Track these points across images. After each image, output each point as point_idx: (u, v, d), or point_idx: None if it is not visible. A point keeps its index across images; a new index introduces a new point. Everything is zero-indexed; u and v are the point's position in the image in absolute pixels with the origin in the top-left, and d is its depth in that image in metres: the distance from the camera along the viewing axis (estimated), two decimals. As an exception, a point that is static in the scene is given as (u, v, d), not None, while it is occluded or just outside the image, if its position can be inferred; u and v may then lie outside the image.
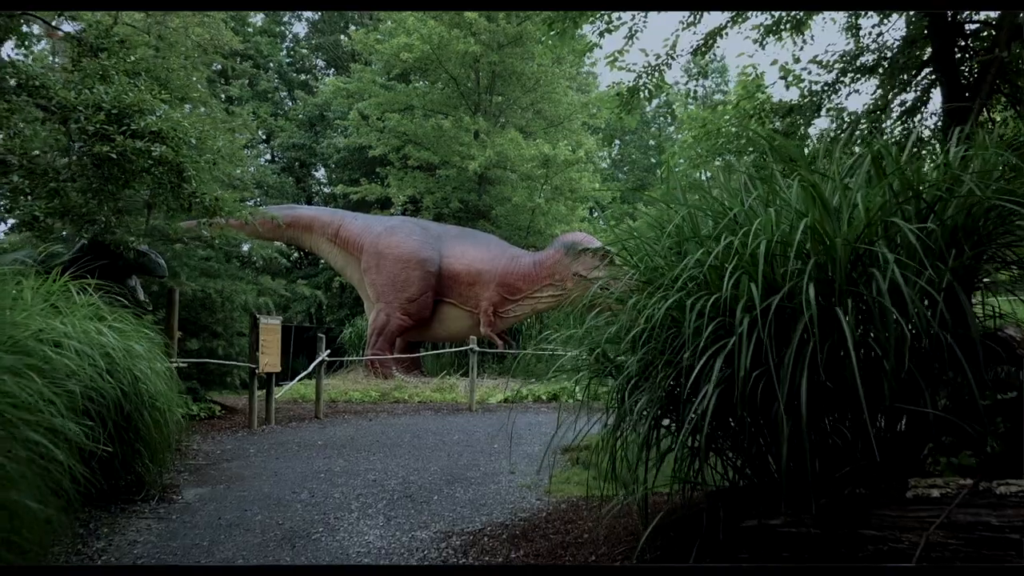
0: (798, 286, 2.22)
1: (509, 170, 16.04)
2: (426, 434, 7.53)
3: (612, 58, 7.35)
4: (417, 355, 12.57)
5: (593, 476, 4.04)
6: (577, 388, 11.09)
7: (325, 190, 23.66)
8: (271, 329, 8.24)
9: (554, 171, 14.93)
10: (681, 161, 9.32)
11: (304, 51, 25.46)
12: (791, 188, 2.76)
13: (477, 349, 10.15)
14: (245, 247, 9.45)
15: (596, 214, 25.81)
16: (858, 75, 7.92)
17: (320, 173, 25.40)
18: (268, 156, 24.56)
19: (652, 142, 32.22)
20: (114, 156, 5.31)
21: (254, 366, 7.91)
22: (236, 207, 6.46)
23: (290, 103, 24.14)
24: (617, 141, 31.73)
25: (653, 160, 32.00)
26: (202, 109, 7.96)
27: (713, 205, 3.06)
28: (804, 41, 7.66)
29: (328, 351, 9.49)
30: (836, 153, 3.31)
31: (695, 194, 3.38)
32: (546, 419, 9.23)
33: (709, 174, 8.87)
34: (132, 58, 6.22)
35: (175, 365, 6.81)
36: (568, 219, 15.92)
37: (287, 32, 26.75)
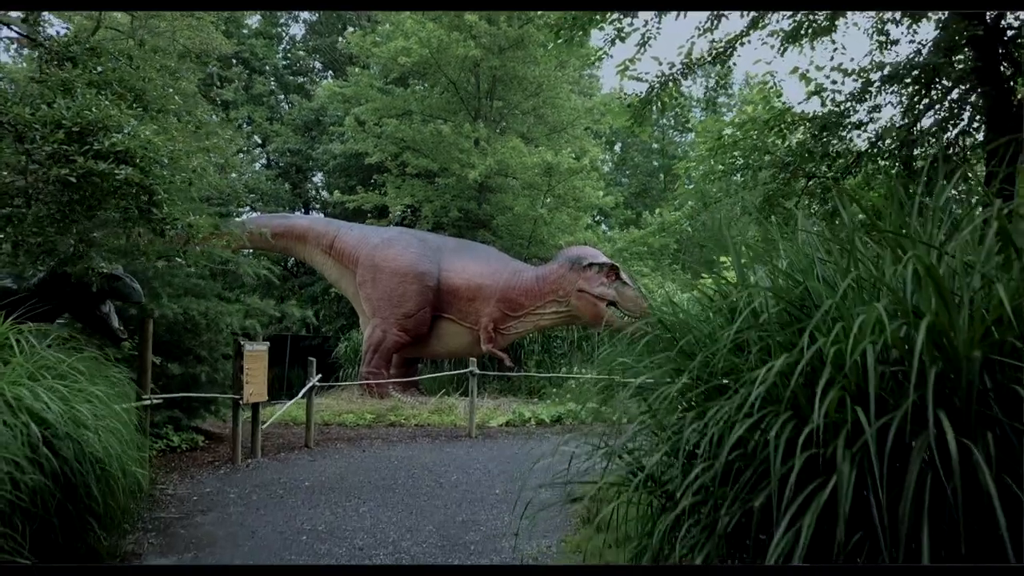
0: (916, 405, 1.65)
1: (511, 177, 15.49)
2: (422, 473, 6.99)
3: (623, 67, 6.81)
4: (415, 377, 11.98)
5: (608, 544, 3.56)
6: (582, 411, 10.45)
7: (323, 194, 23.12)
8: (257, 356, 7.70)
9: (557, 180, 14.40)
10: (693, 174, 8.79)
11: (301, 53, 24.91)
12: (881, 261, 2.20)
13: (477, 372, 9.61)
14: (232, 263, 8.93)
15: (599, 219, 25.29)
16: (886, 84, 7.38)
17: (318, 178, 24.85)
18: (264, 161, 24.02)
19: (655, 145, 31.68)
20: (74, 180, 4.76)
21: (238, 396, 7.37)
22: (215, 228, 5.91)
23: (287, 107, 23.61)
24: (619, 144, 31.22)
25: (656, 163, 31.45)
26: (179, 120, 7.41)
27: (790, 291, 2.39)
28: (836, 46, 7.10)
29: (319, 375, 8.95)
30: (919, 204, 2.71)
31: (756, 260, 2.78)
32: (551, 447, 8.70)
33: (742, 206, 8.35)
34: (99, 69, 5.67)
35: (148, 403, 6.29)
36: (572, 229, 15.37)
37: (283, 34, 26.21)
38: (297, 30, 27.01)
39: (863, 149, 7.16)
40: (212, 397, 7.97)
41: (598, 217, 24.70)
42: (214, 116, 20.35)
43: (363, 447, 8.72)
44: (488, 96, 16.41)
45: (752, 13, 6.96)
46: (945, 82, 7.14)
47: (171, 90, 6.57)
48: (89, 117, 5.00)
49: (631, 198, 28.47)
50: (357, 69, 17.90)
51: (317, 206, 24.77)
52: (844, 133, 7.25)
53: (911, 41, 7.48)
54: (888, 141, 7.05)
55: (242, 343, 7.43)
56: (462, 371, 10.12)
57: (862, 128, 7.50)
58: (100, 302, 6.89)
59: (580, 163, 14.00)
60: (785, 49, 7.67)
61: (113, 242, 6.36)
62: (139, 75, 6.56)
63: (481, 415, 10.71)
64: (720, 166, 7.98)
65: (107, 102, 5.34)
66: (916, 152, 7.29)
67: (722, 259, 13.46)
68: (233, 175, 17.28)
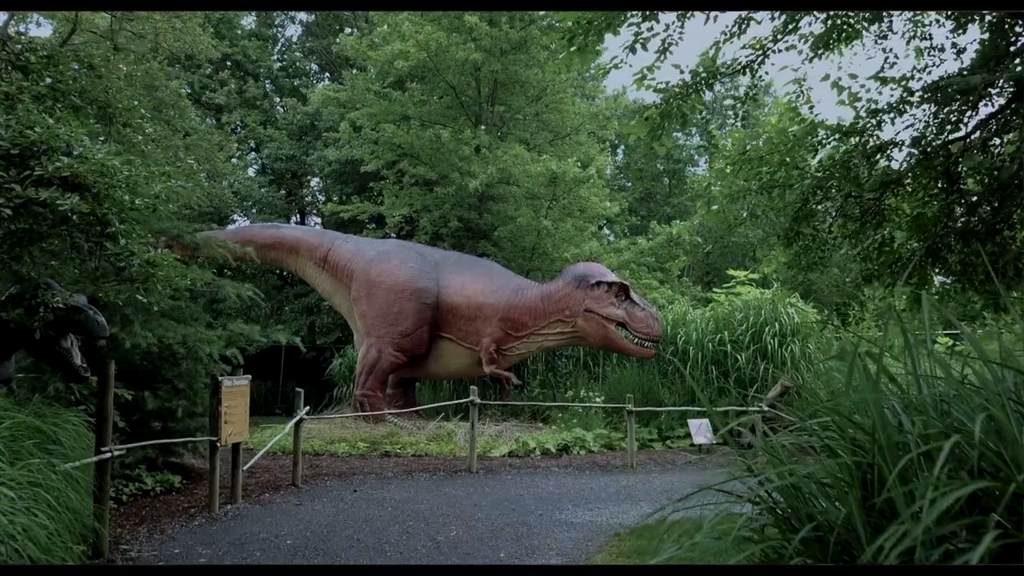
0: None
1: (513, 185, 14.82)
2: (417, 526, 6.30)
3: (640, 75, 6.15)
4: (412, 408, 11.30)
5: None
6: (590, 437, 9.73)
7: (320, 201, 22.44)
8: (237, 392, 7.03)
9: (562, 189, 13.72)
10: (713, 190, 8.10)
11: (298, 55, 24.22)
12: None
13: (478, 402, 8.94)
14: (214, 284, 8.26)
15: (601, 225, 24.58)
16: (928, 94, 6.71)
17: (315, 182, 24.16)
18: (258, 167, 23.34)
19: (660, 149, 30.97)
20: (9, 211, 4.09)
21: (215, 438, 6.69)
22: (182, 261, 5.25)
23: (281, 110, 22.92)
24: (621, 148, 30.56)
25: (660, 167, 30.79)
26: (151, 130, 6.74)
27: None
28: (870, 55, 6.43)
29: (307, 408, 8.29)
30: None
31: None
32: (558, 485, 8.03)
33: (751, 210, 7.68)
34: (50, 80, 5.01)
35: (109, 456, 5.61)
36: (577, 240, 14.69)
37: (279, 36, 25.52)
38: (293, 31, 26.36)
39: (903, 167, 6.49)
40: (185, 440, 7.26)
41: (601, 222, 24.04)
42: (208, 120, 19.71)
43: (355, 484, 8.05)
44: (489, 101, 15.73)
45: (783, 15, 6.30)
46: (993, 93, 6.49)
47: (138, 102, 5.88)
48: (32, 137, 4.33)
49: (635, 203, 27.81)
50: (354, 71, 17.23)
51: (314, 213, 24.10)
52: (882, 149, 6.57)
53: (955, 47, 6.80)
54: (932, 157, 6.38)
55: (220, 378, 6.75)
56: (461, 401, 9.44)
57: (898, 146, 6.84)
58: (60, 337, 6.21)
59: (586, 172, 13.32)
60: (815, 56, 7.01)
61: (71, 272, 5.70)
62: (103, 85, 5.89)
63: (482, 443, 10.04)
64: (743, 181, 7.31)
65: (57, 117, 4.68)
66: (961, 169, 6.64)
67: (730, 272, 12.64)
68: (224, 183, 16.66)
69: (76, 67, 5.92)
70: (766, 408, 10.12)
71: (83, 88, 5.73)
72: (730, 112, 31.32)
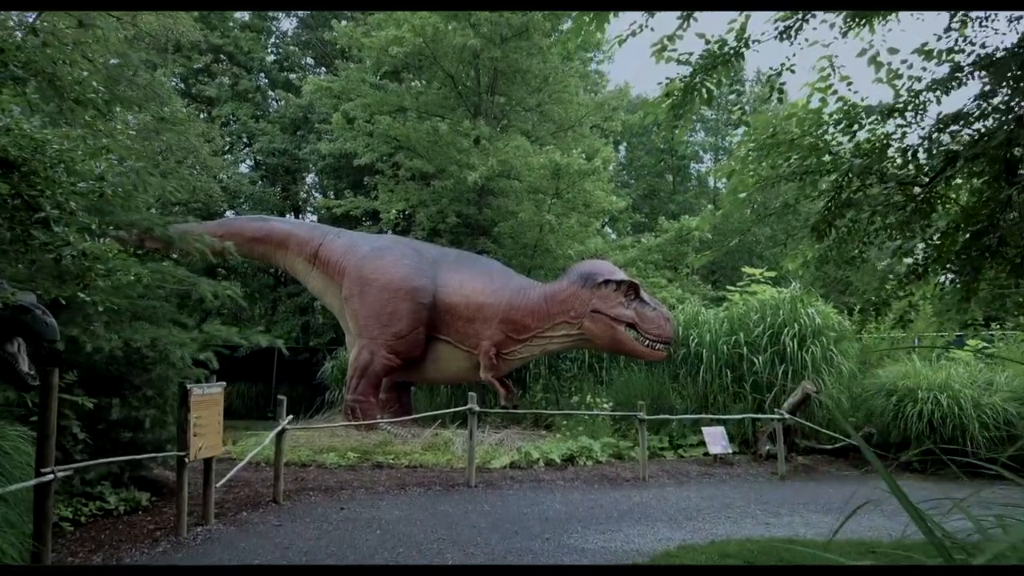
0: None
1: (515, 179, 14.11)
2: (409, 553, 5.59)
3: (660, 46, 5.44)
4: (407, 416, 10.59)
5: None
6: (597, 447, 8.97)
7: (316, 198, 21.70)
8: (209, 401, 6.32)
9: (566, 182, 13.00)
10: (738, 180, 7.38)
11: (293, 48, 23.48)
12: None
13: (477, 409, 8.24)
14: (189, 281, 7.55)
15: (604, 223, 23.87)
16: (980, 70, 6.00)
17: (310, 180, 23.44)
18: (251, 162, 22.63)
19: (663, 146, 30.29)
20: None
21: (183, 453, 5.98)
22: (126, 260, 4.54)
23: (275, 104, 22.20)
24: (623, 144, 29.88)
25: (663, 164, 30.10)
26: (118, 110, 6.05)
27: None
28: (922, 16, 5.73)
29: (290, 417, 7.59)
30: None
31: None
32: (564, 502, 7.33)
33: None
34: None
35: (52, 478, 4.90)
36: (581, 236, 13.97)
37: (273, 28, 24.78)
38: (288, 24, 25.63)
39: (956, 149, 5.78)
40: (149, 456, 6.52)
41: (604, 220, 23.34)
42: (203, 115, 18.98)
43: (343, 501, 7.35)
44: (489, 91, 15.01)
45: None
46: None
47: (88, 73, 5.17)
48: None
49: (638, 200, 27.13)
50: (352, 65, 16.48)
51: (310, 211, 23.37)
52: (931, 130, 5.87)
53: (1011, 19, 6.08)
54: (988, 139, 5.67)
55: (189, 386, 6.05)
56: (459, 409, 8.74)
57: (948, 125, 6.13)
58: (5, 340, 5.51)
59: (592, 164, 12.59)
60: (849, 29, 6.31)
61: (13, 268, 4.99)
62: (49, 56, 5.17)
63: (482, 453, 9.35)
64: (771, 168, 6.61)
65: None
66: (1020, 152, 5.93)
67: (745, 270, 11.85)
68: (210, 177, 15.94)
69: (20, 35, 5.22)
70: (787, 415, 9.42)
71: (29, 59, 5.02)
72: (735, 109, 30.62)
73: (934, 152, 5.62)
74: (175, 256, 8.11)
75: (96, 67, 5.91)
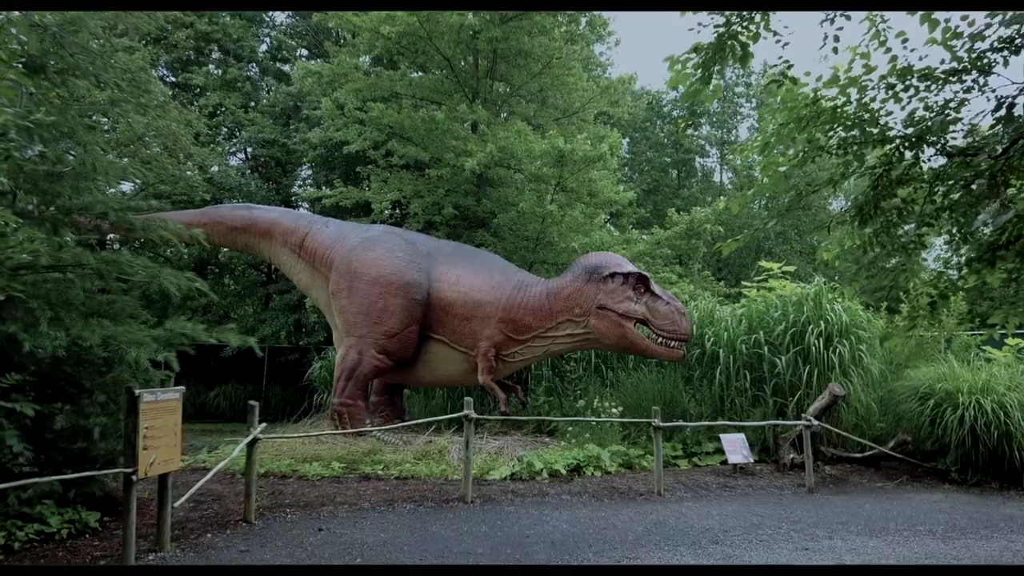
0: None
1: (514, 169, 13.27)
2: (391, 589, 4.78)
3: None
4: (398, 424, 9.75)
5: None
6: (606, 456, 8.05)
7: (310, 191, 20.82)
8: (163, 409, 5.48)
9: (570, 171, 12.15)
10: (756, 157, 6.54)
11: (285, 37, 22.62)
12: None
13: (474, 416, 7.40)
14: (150, 273, 6.72)
15: (608, 220, 23.03)
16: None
17: (305, 173, 22.57)
18: (241, 155, 21.76)
19: (666, 140, 29.45)
20: None
21: (130, 469, 5.14)
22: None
23: (266, 93, 21.34)
24: (626, 139, 29.03)
25: (667, 159, 29.29)
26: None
27: None
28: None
29: (263, 425, 6.75)
30: None
31: None
32: (572, 521, 6.49)
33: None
34: None
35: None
36: (586, 228, 13.13)
37: (265, 17, 23.91)
38: (280, 13, 24.75)
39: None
40: (93, 474, 5.65)
41: (609, 213, 22.51)
42: (188, 105, 18.12)
43: (322, 520, 6.52)
44: (488, 75, 14.16)
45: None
46: None
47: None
48: None
49: (642, 195, 26.30)
50: (344, 54, 15.60)
51: (305, 206, 22.52)
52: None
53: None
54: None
55: (137, 392, 5.20)
56: (455, 415, 7.90)
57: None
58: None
59: (597, 149, 11.73)
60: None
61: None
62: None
63: (479, 463, 8.53)
64: (807, 142, 5.78)
65: None
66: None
67: (762, 264, 10.80)
68: (192, 165, 15.10)
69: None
70: (814, 421, 8.59)
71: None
72: (743, 101, 29.83)
73: (1013, 118, 4.79)
74: (138, 244, 7.27)
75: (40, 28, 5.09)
